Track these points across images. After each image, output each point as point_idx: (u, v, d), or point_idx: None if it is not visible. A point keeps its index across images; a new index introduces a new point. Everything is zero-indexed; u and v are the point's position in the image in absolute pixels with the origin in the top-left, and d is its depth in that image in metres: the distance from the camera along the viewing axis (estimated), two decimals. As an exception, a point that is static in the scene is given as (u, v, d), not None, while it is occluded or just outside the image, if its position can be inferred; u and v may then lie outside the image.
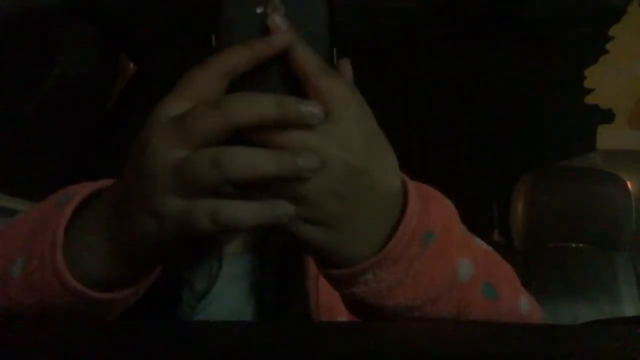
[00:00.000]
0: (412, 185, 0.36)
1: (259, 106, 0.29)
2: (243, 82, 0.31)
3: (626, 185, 1.38)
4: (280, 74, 0.31)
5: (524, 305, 0.43)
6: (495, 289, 0.40)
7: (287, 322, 0.50)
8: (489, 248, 0.44)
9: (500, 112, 1.68)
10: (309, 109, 0.30)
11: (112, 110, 1.34)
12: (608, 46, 1.29)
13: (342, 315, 0.43)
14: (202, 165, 0.29)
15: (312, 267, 0.52)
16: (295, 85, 0.31)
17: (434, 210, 0.37)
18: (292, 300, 0.53)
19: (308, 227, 0.32)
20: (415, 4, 1.21)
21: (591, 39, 1.30)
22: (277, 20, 0.30)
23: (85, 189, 0.40)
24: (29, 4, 1.05)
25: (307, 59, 0.31)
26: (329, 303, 0.44)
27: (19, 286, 0.37)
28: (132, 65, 1.36)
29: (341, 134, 0.31)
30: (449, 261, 0.37)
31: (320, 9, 0.32)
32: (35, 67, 1.14)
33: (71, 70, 1.18)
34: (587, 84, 1.35)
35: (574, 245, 1.35)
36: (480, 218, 1.86)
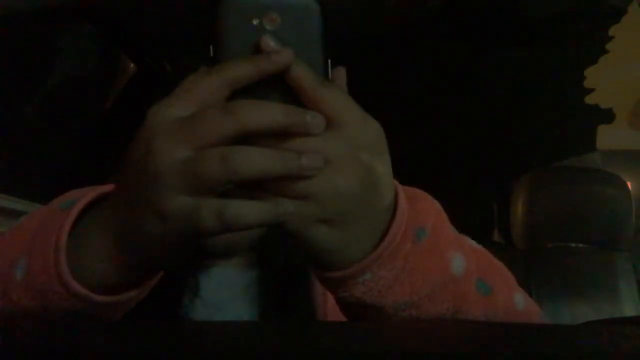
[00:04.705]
0: (398, 185, 0.37)
1: (268, 113, 0.30)
2: (245, 93, 0.32)
3: (626, 185, 1.38)
4: (280, 87, 0.32)
5: (520, 302, 0.43)
6: (489, 285, 0.40)
7: (287, 322, 0.50)
8: (480, 247, 0.44)
9: (500, 112, 1.68)
10: (315, 119, 0.31)
11: (112, 110, 1.34)
12: (608, 46, 1.29)
13: None
14: (211, 162, 0.30)
15: None
16: (295, 98, 0.32)
17: (422, 208, 0.38)
18: (298, 311, 0.53)
19: (315, 226, 0.32)
20: (415, 4, 1.21)
21: (591, 39, 1.30)
22: (271, 43, 0.32)
23: (91, 192, 0.40)
24: (30, 4, 1.05)
25: (303, 75, 0.32)
26: (336, 313, 0.44)
27: (21, 288, 0.37)
28: (132, 65, 1.36)
29: (348, 134, 0.32)
30: (442, 255, 0.38)
31: (315, 19, 0.33)
32: (35, 67, 1.14)
33: (71, 70, 1.19)
34: (587, 84, 1.35)
35: (574, 245, 1.35)
36: (480, 218, 1.86)
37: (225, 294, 0.56)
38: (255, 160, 0.30)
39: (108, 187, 0.41)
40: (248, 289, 0.56)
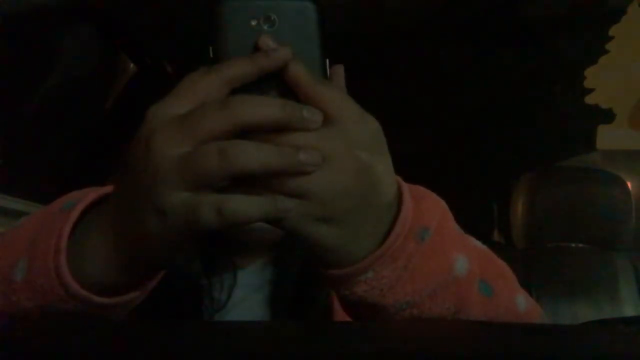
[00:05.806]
0: (404, 184, 0.37)
1: (265, 107, 0.31)
2: (243, 92, 0.32)
3: (626, 185, 1.38)
4: (279, 86, 0.33)
5: (521, 303, 0.43)
6: (491, 287, 0.40)
7: (288, 323, 0.50)
8: (484, 247, 0.44)
9: (501, 112, 1.68)
10: (312, 114, 0.31)
11: (112, 110, 1.34)
12: (608, 46, 1.29)
13: None
14: (210, 156, 0.30)
15: None
16: (294, 96, 0.32)
17: (427, 208, 0.38)
18: (310, 311, 0.53)
19: (315, 224, 0.33)
20: (415, 4, 1.21)
21: (591, 39, 1.30)
22: (269, 41, 0.32)
23: (92, 193, 0.40)
24: (30, 4, 1.05)
25: (301, 73, 0.32)
26: (343, 313, 0.45)
27: (22, 290, 0.37)
28: (132, 65, 1.36)
29: (346, 132, 0.32)
30: (445, 256, 0.37)
31: (312, 20, 0.33)
32: (35, 67, 1.14)
33: (71, 70, 1.19)
34: (587, 84, 1.35)
35: (574, 245, 1.35)
36: (481, 218, 1.86)
37: (238, 294, 0.56)
38: (253, 154, 0.30)
39: (109, 188, 0.40)
40: (261, 289, 0.56)
